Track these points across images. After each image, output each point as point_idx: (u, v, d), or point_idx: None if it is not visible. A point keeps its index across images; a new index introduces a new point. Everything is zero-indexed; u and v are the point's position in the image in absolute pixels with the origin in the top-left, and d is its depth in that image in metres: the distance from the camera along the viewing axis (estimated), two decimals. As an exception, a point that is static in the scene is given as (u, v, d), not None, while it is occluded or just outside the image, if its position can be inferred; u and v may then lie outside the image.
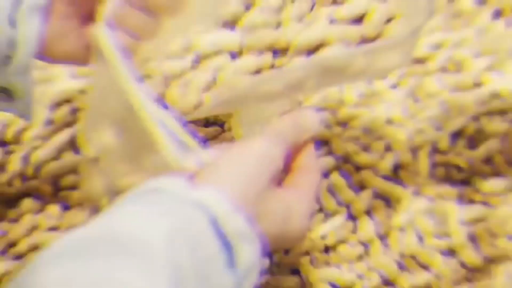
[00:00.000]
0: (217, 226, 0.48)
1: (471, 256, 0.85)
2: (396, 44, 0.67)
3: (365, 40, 0.78)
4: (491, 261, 0.85)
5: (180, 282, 0.45)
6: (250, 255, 0.50)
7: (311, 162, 0.60)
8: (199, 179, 0.52)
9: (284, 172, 0.60)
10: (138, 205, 0.49)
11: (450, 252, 0.86)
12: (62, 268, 0.44)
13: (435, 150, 0.91)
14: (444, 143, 0.90)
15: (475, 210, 0.87)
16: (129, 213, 0.48)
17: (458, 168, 0.89)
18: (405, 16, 0.71)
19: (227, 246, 0.49)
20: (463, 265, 0.85)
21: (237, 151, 0.54)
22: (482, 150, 0.90)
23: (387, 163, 0.89)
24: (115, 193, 0.66)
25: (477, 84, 0.94)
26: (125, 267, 0.43)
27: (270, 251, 0.82)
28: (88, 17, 0.65)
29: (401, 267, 0.85)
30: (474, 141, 0.91)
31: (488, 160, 0.90)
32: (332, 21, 0.89)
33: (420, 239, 0.86)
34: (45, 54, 0.65)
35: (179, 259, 0.45)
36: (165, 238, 0.45)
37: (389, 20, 0.70)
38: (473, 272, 0.85)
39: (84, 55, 0.65)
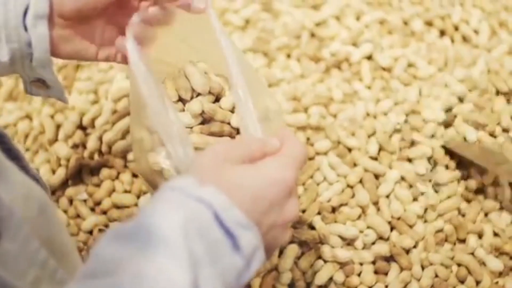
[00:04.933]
0: (218, 217, 0.57)
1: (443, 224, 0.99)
2: None
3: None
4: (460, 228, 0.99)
5: (196, 262, 0.54)
6: (251, 239, 0.58)
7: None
8: (204, 179, 0.59)
9: None
10: (160, 202, 0.58)
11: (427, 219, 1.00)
12: (113, 247, 0.55)
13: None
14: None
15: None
16: (154, 209, 0.57)
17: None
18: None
19: (228, 232, 0.57)
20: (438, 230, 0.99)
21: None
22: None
23: (371, 146, 1.04)
24: (151, 172, 0.78)
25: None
26: (155, 252, 0.54)
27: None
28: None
29: (392, 227, 0.98)
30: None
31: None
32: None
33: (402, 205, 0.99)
34: (54, 53, 0.75)
35: (193, 244, 0.55)
36: (181, 228, 0.55)
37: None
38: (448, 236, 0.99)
39: (88, 55, 0.77)
